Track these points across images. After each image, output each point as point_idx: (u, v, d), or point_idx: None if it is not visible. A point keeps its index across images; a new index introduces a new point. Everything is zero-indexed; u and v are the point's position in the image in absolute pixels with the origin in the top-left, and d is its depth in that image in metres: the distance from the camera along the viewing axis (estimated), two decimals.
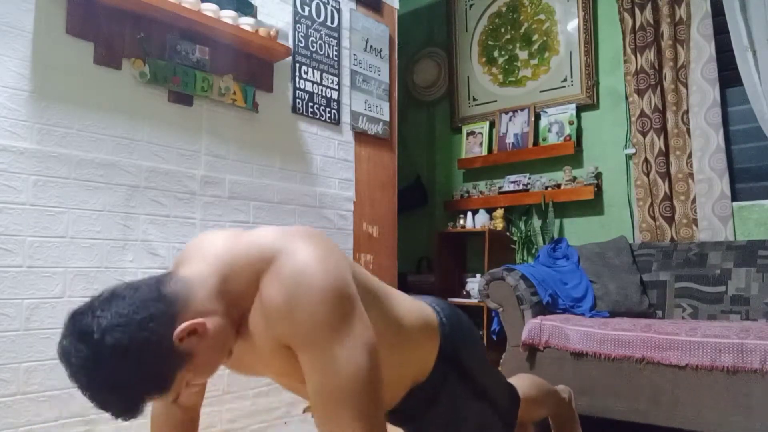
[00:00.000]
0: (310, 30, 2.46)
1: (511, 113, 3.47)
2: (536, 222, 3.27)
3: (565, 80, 3.29)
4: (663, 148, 2.81)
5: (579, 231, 3.16)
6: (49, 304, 1.62)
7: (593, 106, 3.18)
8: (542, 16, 3.43)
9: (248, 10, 2.19)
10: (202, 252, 0.87)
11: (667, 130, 2.82)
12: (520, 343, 2.22)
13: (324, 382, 0.78)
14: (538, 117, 3.35)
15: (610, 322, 2.13)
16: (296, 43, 2.40)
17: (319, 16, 2.51)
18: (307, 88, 2.43)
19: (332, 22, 2.57)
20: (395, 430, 1.20)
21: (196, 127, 2.04)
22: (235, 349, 0.87)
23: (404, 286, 3.43)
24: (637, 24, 2.91)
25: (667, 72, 2.80)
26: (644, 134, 2.87)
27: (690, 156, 2.74)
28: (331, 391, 0.77)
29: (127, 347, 0.71)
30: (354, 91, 2.66)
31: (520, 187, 3.31)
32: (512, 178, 3.38)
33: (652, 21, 2.87)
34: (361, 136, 2.69)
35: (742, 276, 2.30)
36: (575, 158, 3.20)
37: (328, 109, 2.52)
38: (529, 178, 3.32)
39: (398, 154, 2.92)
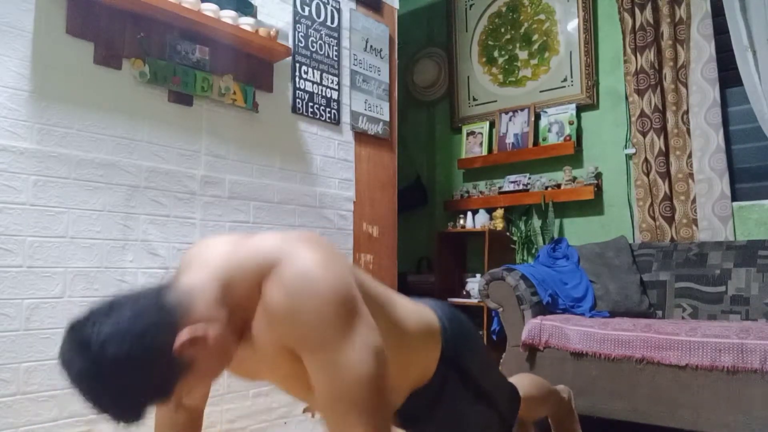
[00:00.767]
0: (310, 30, 2.46)
1: (511, 113, 3.47)
2: (536, 222, 3.27)
3: (565, 80, 3.29)
4: (663, 148, 2.81)
5: (579, 231, 3.16)
6: (49, 304, 1.62)
7: (593, 106, 3.18)
8: (542, 16, 3.43)
9: (248, 10, 2.19)
10: (202, 259, 0.87)
11: (667, 130, 2.82)
12: (520, 343, 2.22)
13: (332, 385, 0.78)
14: (538, 117, 3.35)
15: (610, 322, 2.13)
16: (296, 43, 2.40)
17: (319, 16, 2.51)
18: (307, 88, 2.43)
19: (332, 22, 2.57)
20: None
21: (196, 127, 2.04)
22: (239, 354, 0.87)
23: (404, 286, 3.43)
24: (637, 24, 2.91)
25: (667, 72, 2.80)
26: (644, 134, 2.87)
27: (690, 156, 2.74)
28: (339, 394, 0.77)
29: (127, 358, 0.70)
30: (354, 91, 2.66)
31: (520, 187, 3.31)
32: (512, 178, 3.38)
33: (652, 21, 2.87)
34: (361, 136, 2.69)
35: (742, 276, 2.30)
36: (575, 158, 3.20)
37: (328, 109, 2.52)
38: (529, 178, 3.32)
39: (398, 154, 2.92)
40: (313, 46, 2.47)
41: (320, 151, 2.49)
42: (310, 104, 2.45)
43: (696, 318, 2.35)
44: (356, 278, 0.88)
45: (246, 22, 2.09)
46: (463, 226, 3.40)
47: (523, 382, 1.49)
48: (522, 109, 3.43)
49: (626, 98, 3.00)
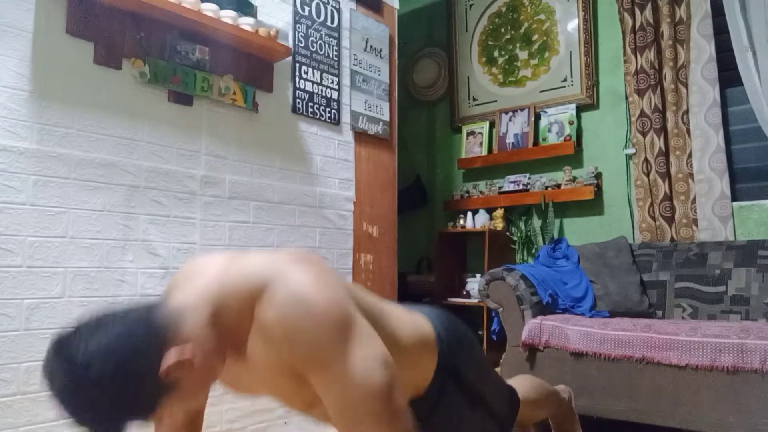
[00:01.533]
0: (310, 30, 2.46)
1: (511, 113, 3.47)
2: (536, 222, 3.27)
3: (565, 80, 3.29)
4: (663, 148, 2.81)
5: (579, 231, 3.16)
6: (49, 304, 1.62)
7: (593, 106, 3.18)
8: (542, 16, 3.43)
9: (248, 10, 2.19)
10: (193, 280, 0.86)
11: (667, 130, 2.82)
12: (520, 343, 2.22)
13: (344, 402, 0.77)
14: (538, 117, 3.35)
15: (610, 322, 2.13)
16: (296, 43, 2.40)
17: (319, 16, 2.51)
18: (307, 88, 2.43)
19: (332, 22, 2.57)
20: None
21: (196, 127, 2.04)
22: (234, 372, 0.86)
23: (404, 286, 3.44)
24: (637, 24, 2.91)
25: (667, 72, 2.80)
26: (644, 134, 2.87)
27: (690, 156, 2.74)
28: (353, 410, 0.77)
29: (111, 377, 0.69)
30: (354, 91, 2.66)
31: (520, 187, 3.31)
32: (512, 178, 3.38)
33: (652, 21, 2.87)
34: (361, 136, 2.69)
35: (742, 276, 2.30)
36: (575, 158, 3.20)
37: (328, 109, 2.52)
38: (529, 178, 3.32)
39: (398, 154, 2.92)
40: (313, 46, 2.47)
41: (320, 151, 2.49)
42: (310, 104, 2.45)
43: (696, 318, 2.35)
44: (349, 292, 0.88)
45: (246, 22, 2.09)
46: (463, 226, 3.40)
47: (522, 385, 1.48)
48: (522, 109, 3.43)
49: (626, 98, 3.00)
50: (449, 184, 3.81)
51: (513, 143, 3.42)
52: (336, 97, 2.56)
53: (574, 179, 3.13)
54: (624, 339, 1.96)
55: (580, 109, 3.21)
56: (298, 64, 2.40)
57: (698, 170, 2.71)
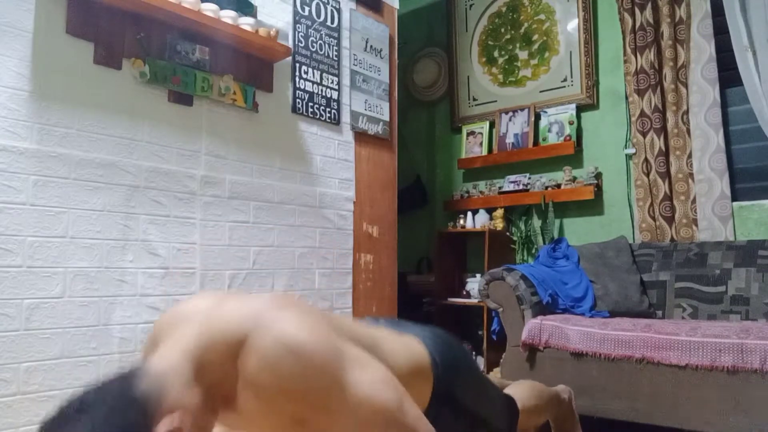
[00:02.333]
0: (310, 30, 2.46)
1: (511, 113, 3.47)
2: (536, 222, 3.27)
3: (565, 80, 3.29)
4: (663, 148, 2.81)
5: (579, 231, 3.16)
6: (49, 304, 1.62)
7: (593, 106, 3.18)
8: (542, 16, 3.43)
9: (248, 10, 2.19)
10: (172, 334, 0.83)
11: (667, 130, 2.82)
12: (520, 343, 2.22)
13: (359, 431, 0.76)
14: (538, 117, 3.35)
15: (610, 322, 2.13)
16: (296, 43, 2.40)
17: (319, 16, 2.51)
18: (307, 88, 2.43)
19: (332, 22, 2.57)
20: None
21: (196, 127, 2.04)
22: (229, 421, 0.84)
23: (404, 286, 3.43)
24: (637, 24, 2.91)
25: (667, 72, 2.80)
26: (644, 134, 2.87)
27: (690, 156, 2.74)
28: None
29: None
30: (354, 91, 2.66)
31: (520, 187, 3.31)
32: (512, 178, 3.38)
33: (652, 21, 2.87)
34: (361, 136, 2.69)
35: (742, 276, 2.30)
36: (575, 158, 3.20)
37: (328, 109, 2.52)
38: (529, 178, 3.32)
39: (398, 154, 2.92)
40: (313, 46, 2.47)
41: (320, 151, 2.49)
42: (310, 104, 2.45)
43: (696, 318, 2.35)
44: (334, 327, 0.86)
45: (246, 22, 2.09)
46: (463, 226, 3.40)
47: (521, 393, 1.47)
48: (522, 109, 3.43)
49: (626, 98, 3.00)
50: (449, 184, 3.81)
51: (513, 143, 3.42)
52: (336, 97, 2.56)
53: (574, 179, 3.13)
54: (624, 339, 1.96)
55: (580, 109, 3.21)
56: (298, 64, 2.40)
57: (698, 170, 2.71)
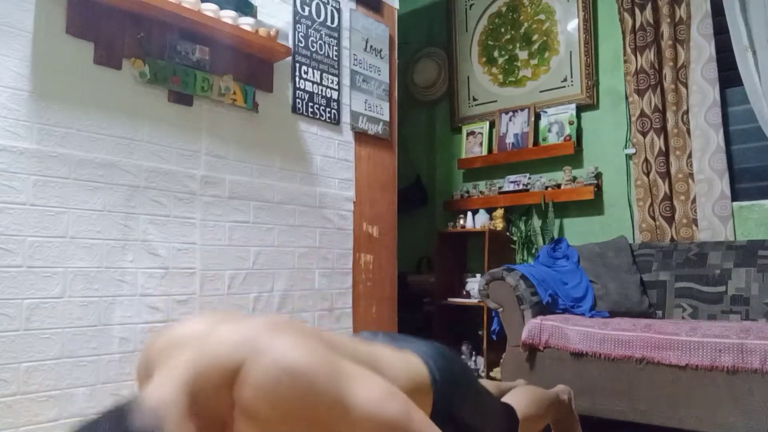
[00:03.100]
0: (310, 30, 2.46)
1: (511, 113, 3.47)
2: (536, 222, 3.27)
3: (565, 80, 3.29)
4: (663, 148, 2.81)
5: (579, 231, 3.15)
6: (49, 304, 1.62)
7: (593, 106, 3.18)
8: (542, 16, 3.43)
9: (248, 10, 2.19)
10: (166, 363, 0.82)
11: (667, 130, 2.82)
12: (520, 343, 2.22)
13: None
14: (538, 117, 3.35)
15: (610, 322, 2.13)
16: (296, 43, 2.40)
17: (319, 16, 2.51)
18: (307, 88, 2.43)
19: (332, 22, 2.57)
20: None
21: (196, 127, 2.04)
22: None
23: (404, 286, 3.43)
24: (637, 24, 2.91)
25: (667, 72, 2.80)
26: (644, 134, 2.87)
27: (690, 156, 2.74)
28: None
29: None
30: (354, 91, 2.66)
31: (520, 187, 3.31)
32: (512, 178, 3.38)
33: (652, 21, 2.87)
34: (361, 136, 2.69)
35: (742, 276, 2.30)
36: (575, 158, 3.20)
37: (328, 109, 2.52)
38: (529, 178, 3.32)
39: (398, 154, 2.92)
40: (313, 46, 2.47)
41: (320, 151, 2.49)
42: (310, 104, 2.45)
43: (696, 318, 2.35)
44: (332, 344, 0.85)
45: (246, 22, 2.09)
46: (463, 226, 3.40)
47: (520, 401, 1.46)
48: (522, 109, 3.43)
49: (626, 98, 3.00)
50: (449, 184, 3.81)
51: (513, 143, 3.42)
52: (336, 97, 2.56)
53: (574, 179, 3.13)
54: (624, 339, 1.96)
55: (580, 109, 3.21)
56: (298, 64, 2.40)
57: (698, 170, 2.70)
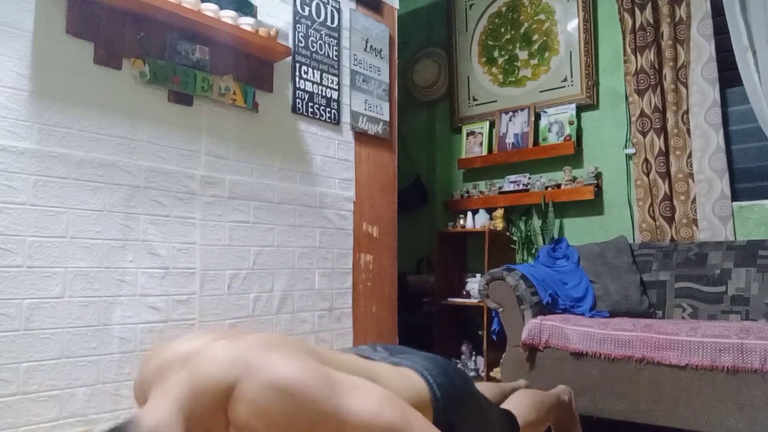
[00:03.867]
0: (310, 30, 2.46)
1: (511, 113, 3.47)
2: (536, 222, 3.27)
3: (565, 80, 3.29)
4: (663, 148, 2.81)
5: (579, 231, 3.15)
6: (49, 304, 1.62)
7: (593, 106, 3.18)
8: (542, 16, 3.43)
9: (248, 10, 2.19)
10: (162, 383, 0.82)
11: (667, 130, 2.82)
12: (520, 343, 2.22)
13: None
14: (538, 117, 3.35)
15: (610, 322, 2.13)
16: (296, 43, 2.40)
17: (319, 16, 2.51)
18: (307, 88, 2.43)
19: (332, 22, 2.57)
20: None
21: (196, 127, 2.04)
22: None
23: (404, 286, 3.43)
24: (637, 24, 2.91)
25: (667, 72, 2.80)
26: (644, 134, 2.87)
27: (690, 156, 2.74)
28: None
29: None
30: (354, 91, 2.66)
31: (520, 187, 3.31)
32: (512, 178, 3.38)
33: (652, 21, 2.87)
34: (361, 136, 2.69)
35: (742, 276, 2.30)
36: (575, 158, 3.20)
37: (328, 109, 2.52)
38: (529, 178, 3.32)
39: (398, 154, 2.92)
40: (313, 46, 2.47)
41: (320, 151, 2.49)
42: (310, 104, 2.45)
43: (696, 318, 2.35)
44: (326, 360, 0.85)
45: (246, 22, 2.09)
46: (463, 226, 3.40)
47: (521, 407, 1.45)
48: (522, 109, 3.43)
49: (626, 98, 3.00)
50: (449, 184, 3.81)
51: (513, 143, 3.42)
52: (336, 97, 2.56)
53: (574, 179, 3.13)
54: (624, 339, 1.96)
55: (580, 109, 3.21)
56: (298, 64, 2.40)
57: (698, 170, 2.71)
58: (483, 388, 1.46)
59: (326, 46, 2.53)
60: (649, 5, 2.87)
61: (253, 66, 2.22)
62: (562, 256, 2.68)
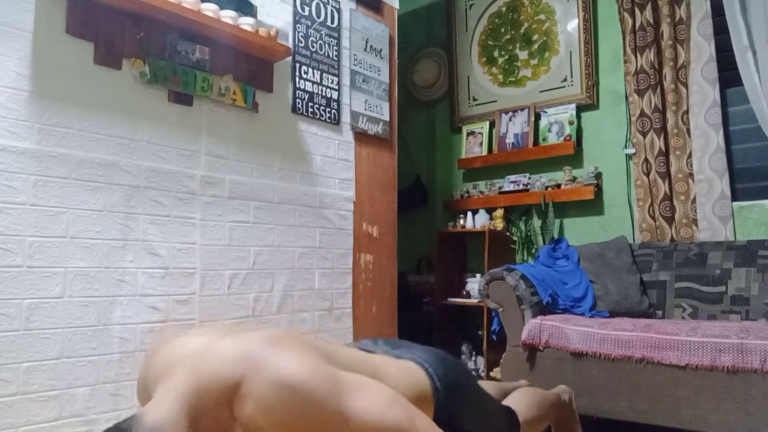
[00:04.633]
0: (310, 30, 2.46)
1: (511, 113, 3.47)
2: (536, 222, 3.27)
3: (565, 80, 3.29)
4: (663, 148, 2.81)
5: (579, 231, 3.16)
6: (49, 304, 1.62)
7: (593, 106, 3.18)
8: (542, 16, 3.43)
9: (248, 10, 2.19)
10: (166, 379, 0.82)
11: (667, 130, 2.82)
12: (520, 343, 2.22)
13: None
14: (538, 117, 3.35)
15: (610, 322, 2.13)
16: (296, 43, 2.40)
17: (319, 16, 2.51)
18: (307, 88, 2.43)
19: (332, 22, 2.57)
20: None
21: (196, 127, 2.04)
22: None
23: (404, 286, 3.43)
24: (637, 24, 2.91)
25: (667, 72, 2.80)
26: (644, 134, 2.87)
27: (690, 156, 2.74)
28: None
29: None
30: (354, 91, 2.66)
31: (520, 187, 3.31)
32: (512, 178, 3.38)
33: (652, 21, 2.87)
34: (361, 136, 2.69)
35: (742, 276, 2.30)
36: (575, 158, 3.20)
37: (328, 109, 2.52)
38: (529, 178, 3.32)
39: (398, 154, 2.92)
40: (313, 46, 2.47)
41: (320, 151, 2.49)
42: (310, 104, 2.45)
43: (696, 318, 2.35)
44: (331, 356, 0.85)
45: (246, 22, 2.09)
46: (463, 226, 3.40)
47: (521, 404, 1.46)
48: (522, 109, 3.43)
49: (626, 98, 3.00)
50: (449, 184, 3.81)
51: (513, 143, 3.42)
52: (336, 97, 2.56)
53: (574, 179, 3.13)
54: (624, 339, 1.96)
55: (580, 109, 3.21)
56: (298, 64, 2.40)
57: (698, 170, 2.71)
58: (484, 386, 1.47)
59: (326, 46, 2.53)
60: (649, 5, 2.87)
61: (253, 66, 2.22)
62: (562, 256, 2.68)
